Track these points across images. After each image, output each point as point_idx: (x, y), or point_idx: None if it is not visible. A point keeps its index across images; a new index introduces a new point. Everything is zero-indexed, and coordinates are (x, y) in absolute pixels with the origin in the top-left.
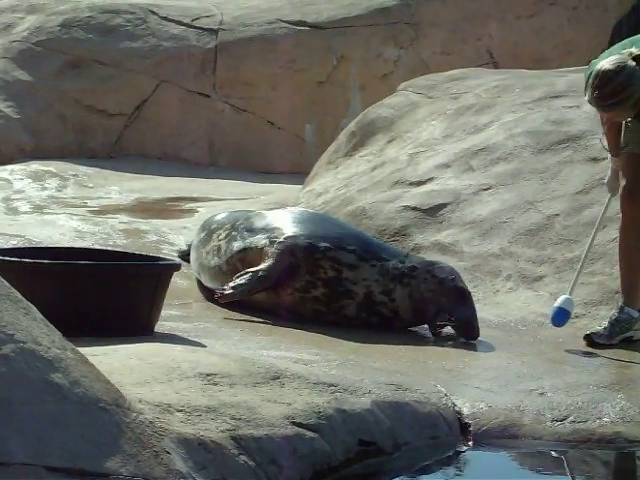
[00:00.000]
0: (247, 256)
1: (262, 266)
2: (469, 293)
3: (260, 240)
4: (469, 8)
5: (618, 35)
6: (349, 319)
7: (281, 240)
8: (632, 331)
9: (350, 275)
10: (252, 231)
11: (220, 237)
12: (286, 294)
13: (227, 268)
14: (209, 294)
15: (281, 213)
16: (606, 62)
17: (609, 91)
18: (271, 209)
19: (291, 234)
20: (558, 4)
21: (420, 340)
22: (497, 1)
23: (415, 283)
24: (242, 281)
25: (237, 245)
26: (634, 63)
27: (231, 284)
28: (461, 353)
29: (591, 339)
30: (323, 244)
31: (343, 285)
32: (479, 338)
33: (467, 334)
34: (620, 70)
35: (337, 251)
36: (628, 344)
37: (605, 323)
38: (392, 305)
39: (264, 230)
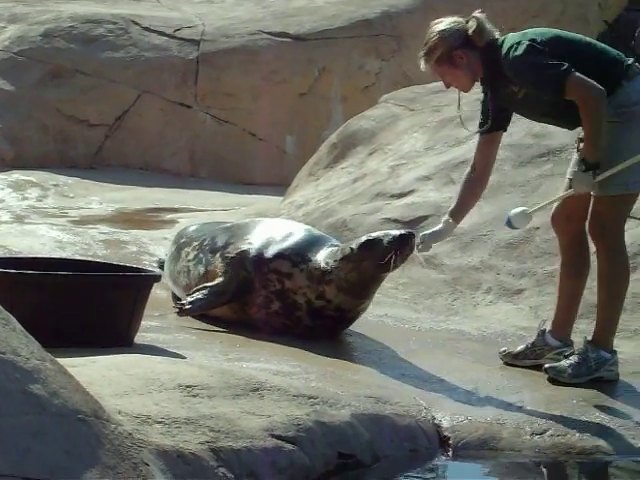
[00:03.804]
0: (209, 277)
1: (217, 281)
2: (367, 237)
3: (217, 260)
4: None
5: None
6: (312, 329)
7: (233, 255)
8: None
9: (290, 285)
10: (213, 252)
11: (189, 257)
12: (253, 312)
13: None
14: None
15: (242, 226)
16: None
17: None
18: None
19: (243, 248)
20: (540, 17)
21: (401, 353)
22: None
23: (336, 276)
24: (200, 296)
25: (201, 270)
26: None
27: (189, 299)
28: (441, 366)
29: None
30: (267, 255)
31: (289, 297)
32: (459, 351)
33: (402, 243)
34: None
35: (277, 260)
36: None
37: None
38: (331, 306)
39: (222, 248)
